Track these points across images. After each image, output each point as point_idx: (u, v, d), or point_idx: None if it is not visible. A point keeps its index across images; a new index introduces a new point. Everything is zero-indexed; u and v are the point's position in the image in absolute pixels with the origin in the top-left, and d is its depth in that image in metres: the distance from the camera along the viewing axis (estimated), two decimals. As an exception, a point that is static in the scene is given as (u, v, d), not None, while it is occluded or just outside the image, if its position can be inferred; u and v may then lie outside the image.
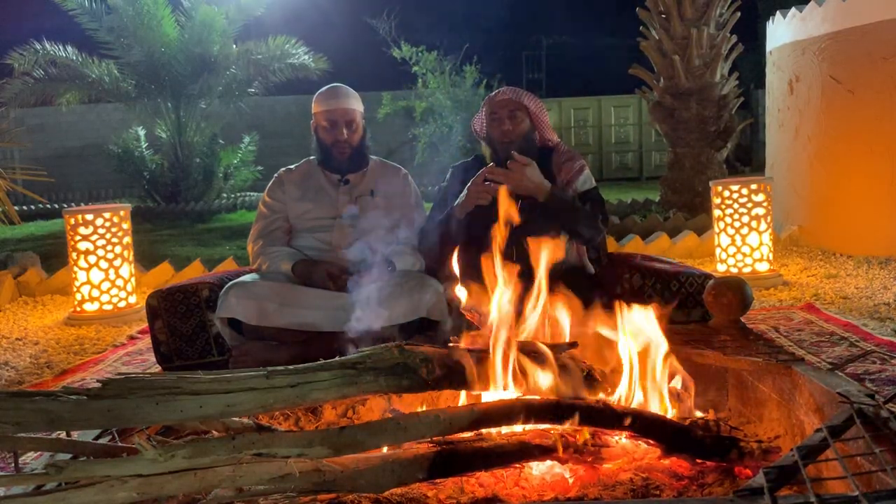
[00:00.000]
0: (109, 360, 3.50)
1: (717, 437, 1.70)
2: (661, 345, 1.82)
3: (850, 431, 1.41)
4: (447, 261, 2.19)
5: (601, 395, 1.79)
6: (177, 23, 10.51)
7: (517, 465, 1.65)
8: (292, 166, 3.00)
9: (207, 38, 10.50)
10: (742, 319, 2.25)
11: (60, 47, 10.43)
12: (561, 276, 2.62)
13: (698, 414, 1.91)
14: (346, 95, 2.87)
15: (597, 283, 2.74)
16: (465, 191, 2.68)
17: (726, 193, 4.65)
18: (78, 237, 4.31)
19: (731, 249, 4.63)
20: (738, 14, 7.26)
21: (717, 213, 4.71)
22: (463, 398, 1.83)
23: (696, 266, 3.61)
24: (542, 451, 1.64)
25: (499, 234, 1.92)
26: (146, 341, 3.67)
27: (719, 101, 7.29)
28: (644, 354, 1.83)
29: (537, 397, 1.72)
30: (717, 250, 4.73)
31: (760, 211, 4.58)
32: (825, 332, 3.27)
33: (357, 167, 2.91)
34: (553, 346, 1.82)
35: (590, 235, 2.76)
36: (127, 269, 4.45)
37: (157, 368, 2.86)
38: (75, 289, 4.38)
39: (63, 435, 1.45)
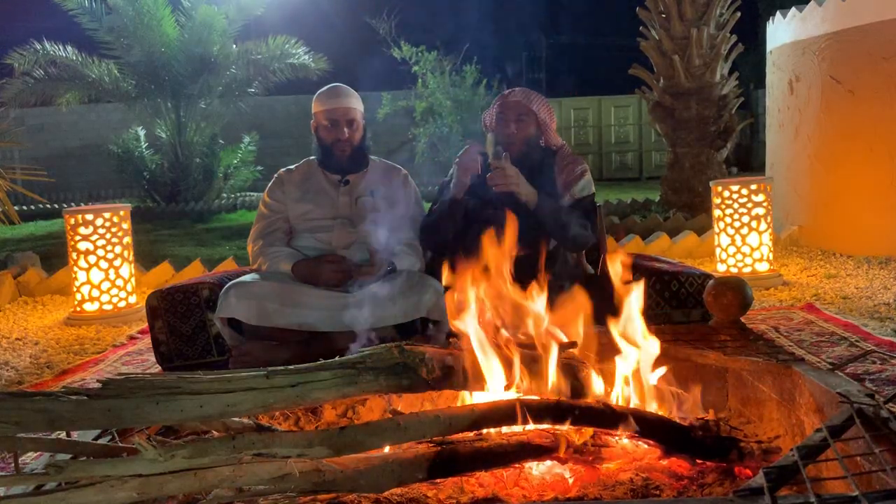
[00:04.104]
0: (109, 360, 3.50)
1: (717, 437, 1.70)
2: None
3: (850, 431, 1.40)
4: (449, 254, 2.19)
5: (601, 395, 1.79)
6: (177, 23, 10.51)
7: (517, 465, 1.65)
8: (292, 166, 3.00)
9: (207, 38, 10.50)
10: (742, 319, 2.25)
11: (60, 47, 10.43)
12: (558, 278, 2.63)
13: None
14: (347, 95, 2.87)
15: (596, 284, 2.74)
16: (454, 168, 2.70)
17: (726, 193, 4.65)
18: (78, 237, 4.31)
19: (731, 249, 4.63)
20: (738, 14, 7.26)
21: (717, 213, 4.71)
22: (463, 398, 1.83)
23: (696, 266, 3.61)
24: (542, 451, 1.64)
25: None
26: (146, 341, 3.67)
27: (719, 101, 7.28)
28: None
29: (537, 397, 1.72)
30: (717, 250, 4.73)
31: (760, 211, 4.58)
32: (825, 332, 3.27)
33: (357, 167, 2.91)
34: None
35: (578, 243, 2.77)
36: (127, 269, 4.45)
37: (157, 368, 2.86)
38: (75, 289, 4.38)
39: (63, 435, 1.45)
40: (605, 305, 2.27)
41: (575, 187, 2.78)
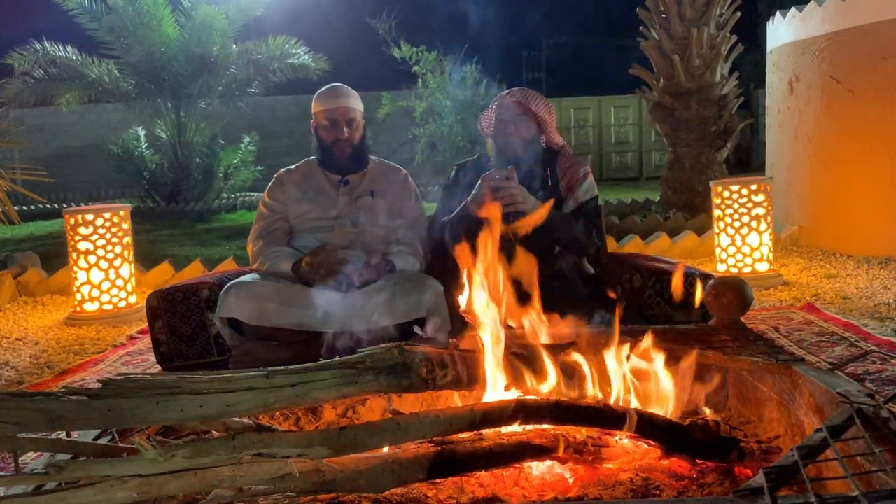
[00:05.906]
0: (109, 360, 3.50)
1: (718, 437, 1.70)
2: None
3: (850, 431, 1.40)
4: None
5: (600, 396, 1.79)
6: (177, 23, 10.52)
7: (517, 465, 1.65)
8: (292, 166, 3.00)
9: (207, 38, 10.51)
10: (742, 319, 2.25)
11: (60, 47, 10.44)
12: (558, 277, 2.63)
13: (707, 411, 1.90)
14: (347, 94, 2.87)
15: (596, 284, 2.74)
16: (477, 188, 2.64)
17: (726, 193, 4.65)
18: (78, 237, 4.32)
19: (731, 249, 4.63)
20: (738, 14, 7.26)
21: (717, 213, 4.71)
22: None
23: (696, 266, 3.61)
24: (542, 451, 1.64)
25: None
26: (146, 341, 3.67)
27: (719, 101, 7.29)
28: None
29: (537, 397, 1.72)
30: (717, 250, 4.73)
31: (760, 211, 4.58)
32: (825, 332, 3.27)
33: (357, 167, 2.90)
34: (552, 347, 1.82)
35: (583, 249, 2.76)
36: (127, 269, 4.45)
37: (157, 368, 2.86)
38: (75, 289, 4.38)
39: (63, 435, 1.45)
40: (604, 304, 2.27)
41: (579, 191, 2.77)
